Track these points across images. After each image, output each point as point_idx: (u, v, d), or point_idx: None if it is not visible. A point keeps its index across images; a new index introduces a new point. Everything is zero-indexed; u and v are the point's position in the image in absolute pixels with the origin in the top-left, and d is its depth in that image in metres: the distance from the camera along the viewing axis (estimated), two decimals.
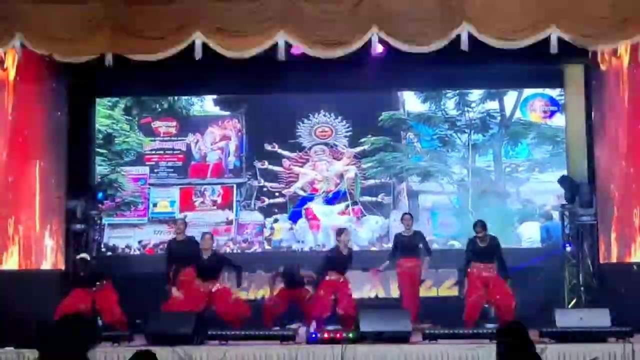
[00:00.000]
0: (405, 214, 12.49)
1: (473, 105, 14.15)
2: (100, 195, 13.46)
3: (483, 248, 11.34)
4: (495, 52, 10.99)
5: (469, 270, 11.31)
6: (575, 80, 13.45)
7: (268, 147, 14.24)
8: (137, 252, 14.07)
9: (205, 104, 14.52)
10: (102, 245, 13.68)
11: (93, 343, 4.76)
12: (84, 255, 11.57)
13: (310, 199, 14.22)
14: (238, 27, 10.96)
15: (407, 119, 14.24)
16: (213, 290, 11.27)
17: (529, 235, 13.79)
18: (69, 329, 4.65)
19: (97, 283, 11.16)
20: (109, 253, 13.91)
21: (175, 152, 14.38)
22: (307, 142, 14.29)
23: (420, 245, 12.18)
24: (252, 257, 13.59)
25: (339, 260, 11.64)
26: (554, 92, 14.00)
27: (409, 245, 12.12)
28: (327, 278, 11.52)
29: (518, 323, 5.56)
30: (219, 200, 14.23)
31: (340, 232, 11.96)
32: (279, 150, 14.21)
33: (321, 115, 14.30)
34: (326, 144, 14.28)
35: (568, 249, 12.88)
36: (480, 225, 11.40)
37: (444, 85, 14.17)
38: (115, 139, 14.31)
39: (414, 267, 12.05)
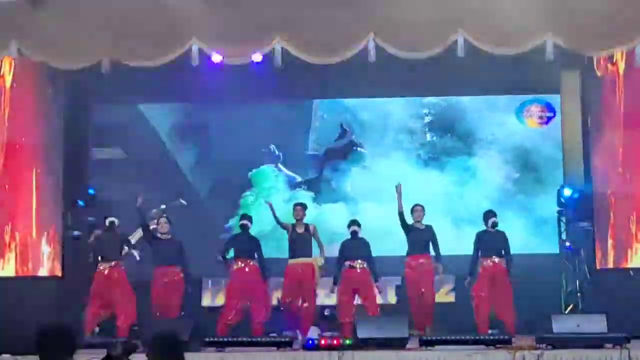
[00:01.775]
0: (416, 205, 11.84)
1: None
2: (91, 190, 13.44)
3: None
4: (491, 59, 11.01)
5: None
6: (571, 86, 13.48)
7: None
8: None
9: None
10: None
11: (70, 354, 4.71)
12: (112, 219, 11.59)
13: None
14: (235, 34, 10.97)
15: None
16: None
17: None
18: (47, 339, 4.66)
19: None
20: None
21: None
22: None
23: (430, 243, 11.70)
24: None
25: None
26: (550, 98, 14.04)
27: (420, 240, 11.67)
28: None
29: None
30: None
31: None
32: None
33: None
34: None
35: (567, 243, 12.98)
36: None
37: (439, 92, 14.18)
38: None
39: (426, 265, 11.60)
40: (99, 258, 11.42)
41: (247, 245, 11.66)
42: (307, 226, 11.74)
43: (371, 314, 11.14)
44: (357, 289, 11.41)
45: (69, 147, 13.15)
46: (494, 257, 11.32)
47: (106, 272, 11.26)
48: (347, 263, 11.43)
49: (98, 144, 14.42)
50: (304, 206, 11.92)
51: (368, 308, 11.28)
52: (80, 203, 13.20)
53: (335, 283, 11.52)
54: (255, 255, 11.61)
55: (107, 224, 11.62)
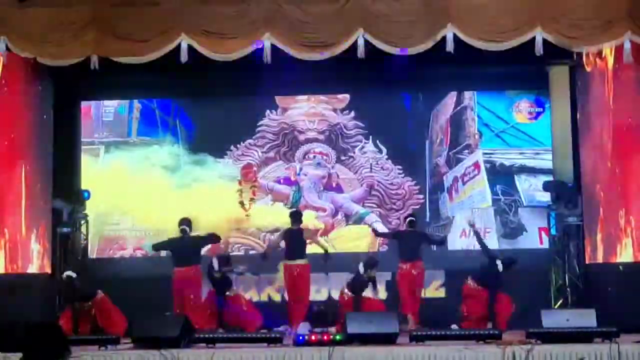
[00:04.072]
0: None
1: None
2: (85, 194, 13.42)
3: None
4: (480, 54, 11.02)
5: None
6: (560, 82, 13.50)
7: None
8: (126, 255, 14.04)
9: None
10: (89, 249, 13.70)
11: (62, 355, 4.67)
12: (69, 273, 11.50)
13: None
14: (224, 30, 10.96)
15: None
16: None
17: None
18: (34, 340, 4.61)
19: (91, 298, 11.23)
20: (95, 256, 13.88)
21: None
22: None
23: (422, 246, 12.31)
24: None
25: None
26: (539, 93, 14.04)
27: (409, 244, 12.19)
28: None
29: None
30: None
31: None
32: None
33: None
34: None
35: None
36: None
37: (427, 88, 14.14)
38: None
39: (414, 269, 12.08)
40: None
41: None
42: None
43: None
44: None
45: (58, 144, 13.11)
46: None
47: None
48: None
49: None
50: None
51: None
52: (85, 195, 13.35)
53: None
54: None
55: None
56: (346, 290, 11.60)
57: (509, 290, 11.60)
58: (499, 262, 11.39)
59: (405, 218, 12.69)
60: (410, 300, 11.93)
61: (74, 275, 11.42)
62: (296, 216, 12.34)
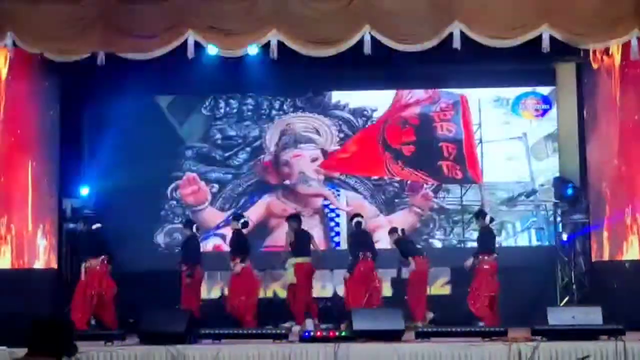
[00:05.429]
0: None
1: None
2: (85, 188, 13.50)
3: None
4: (487, 51, 11.00)
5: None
6: (567, 79, 13.49)
7: None
8: None
9: None
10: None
11: (68, 352, 4.69)
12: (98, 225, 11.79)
13: None
14: (231, 26, 10.95)
15: None
16: None
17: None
18: (41, 334, 4.62)
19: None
20: None
21: None
22: None
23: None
24: None
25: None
26: (546, 90, 14.03)
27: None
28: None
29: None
30: None
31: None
32: None
33: None
34: None
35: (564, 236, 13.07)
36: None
37: (434, 84, 14.13)
38: None
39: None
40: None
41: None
42: None
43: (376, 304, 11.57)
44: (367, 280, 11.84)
45: (64, 140, 13.13)
46: (492, 254, 11.67)
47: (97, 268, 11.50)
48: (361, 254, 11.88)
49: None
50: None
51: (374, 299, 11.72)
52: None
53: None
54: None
55: (92, 228, 11.87)
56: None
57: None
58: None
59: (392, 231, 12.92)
60: (420, 296, 12.06)
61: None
62: (296, 219, 12.43)
